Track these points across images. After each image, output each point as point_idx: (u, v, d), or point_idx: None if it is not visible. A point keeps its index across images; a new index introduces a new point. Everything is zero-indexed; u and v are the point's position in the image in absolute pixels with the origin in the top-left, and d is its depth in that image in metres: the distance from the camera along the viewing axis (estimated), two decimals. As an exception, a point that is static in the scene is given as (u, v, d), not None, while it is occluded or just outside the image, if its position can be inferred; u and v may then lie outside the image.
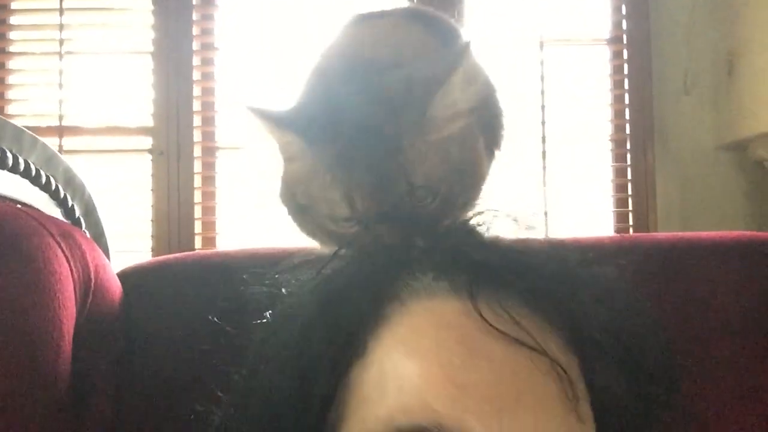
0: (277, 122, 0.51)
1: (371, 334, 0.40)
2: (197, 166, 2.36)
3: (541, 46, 2.38)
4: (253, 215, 2.31)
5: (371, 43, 0.56)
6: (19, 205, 0.60)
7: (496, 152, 0.70)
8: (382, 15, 0.61)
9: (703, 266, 0.65)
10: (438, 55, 0.53)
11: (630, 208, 2.39)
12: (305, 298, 0.44)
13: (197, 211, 2.35)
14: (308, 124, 0.50)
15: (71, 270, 0.54)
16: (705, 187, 2.36)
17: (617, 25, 2.43)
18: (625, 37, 2.42)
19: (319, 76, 0.55)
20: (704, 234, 0.68)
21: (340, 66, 0.54)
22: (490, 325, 0.37)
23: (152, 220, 2.33)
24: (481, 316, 0.37)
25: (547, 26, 2.39)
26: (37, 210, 0.62)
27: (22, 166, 0.61)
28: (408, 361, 0.37)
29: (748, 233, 0.69)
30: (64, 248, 0.54)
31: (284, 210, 0.55)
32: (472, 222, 0.47)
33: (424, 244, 0.44)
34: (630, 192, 2.41)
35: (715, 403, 0.64)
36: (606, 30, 2.44)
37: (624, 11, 2.42)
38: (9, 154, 0.59)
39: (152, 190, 2.34)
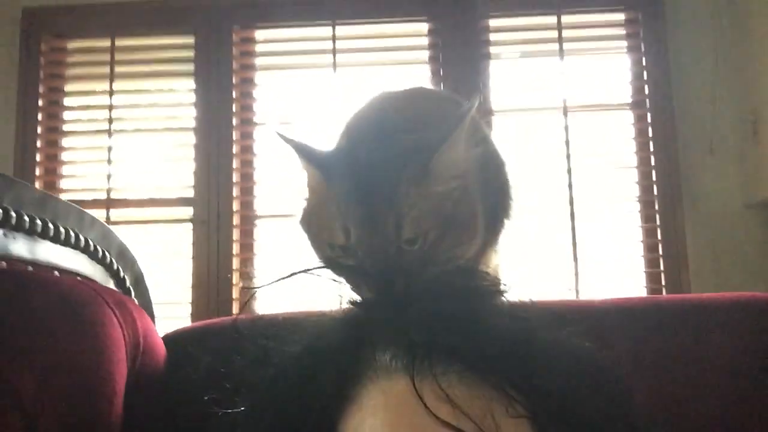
0: (303, 153, 0.60)
1: (339, 416, 0.43)
2: (236, 234, 2.46)
3: (565, 112, 2.45)
4: (291, 280, 2.38)
5: (390, 111, 0.65)
6: (79, 278, 0.68)
7: (507, 222, 0.77)
8: (402, 91, 0.70)
9: (704, 326, 0.69)
10: (445, 119, 0.60)
11: (662, 268, 2.40)
12: (277, 380, 0.47)
13: (235, 278, 2.44)
14: (329, 162, 0.59)
15: (124, 335, 0.61)
16: (736, 245, 2.36)
17: (639, 90, 2.49)
18: (647, 101, 2.48)
19: (345, 133, 0.64)
20: (705, 296, 0.73)
21: (363, 126, 0.63)
22: (433, 413, 0.39)
23: (192, 287, 2.42)
24: (423, 402, 0.40)
25: (571, 93, 2.47)
26: (95, 281, 0.69)
27: (83, 243, 0.70)
28: None
29: (747, 294, 0.73)
30: (118, 315, 0.62)
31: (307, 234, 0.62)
32: (448, 284, 0.48)
33: (385, 320, 0.46)
34: (661, 252, 2.42)
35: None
36: (628, 95, 2.51)
37: (645, 76, 2.49)
38: (72, 233, 0.68)
39: (193, 257, 2.44)
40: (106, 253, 0.74)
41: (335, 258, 0.57)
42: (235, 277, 2.44)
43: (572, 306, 0.77)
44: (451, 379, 0.41)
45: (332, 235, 0.57)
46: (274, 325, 0.56)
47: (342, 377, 0.44)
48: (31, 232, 0.61)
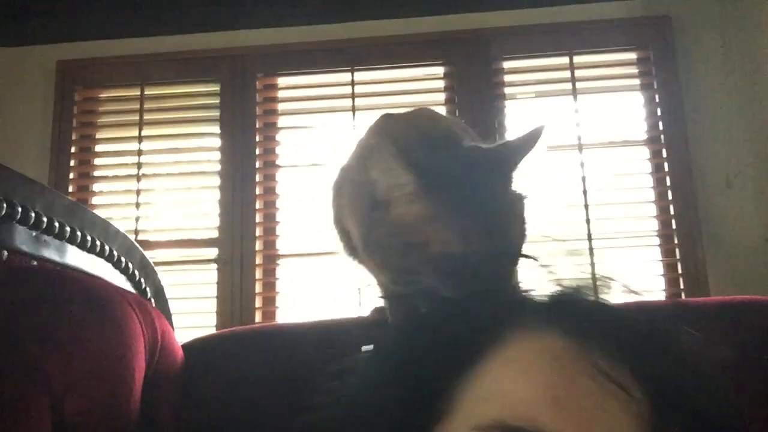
0: (415, 164, 0.63)
1: (479, 355, 0.46)
2: (258, 273, 2.51)
3: (581, 149, 2.49)
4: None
5: (430, 123, 0.72)
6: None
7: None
8: (408, 112, 0.76)
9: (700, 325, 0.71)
10: (514, 139, 0.69)
11: (683, 302, 2.38)
12: (414, 327, 0.52)
13: (258, 316, 2.48)
14: (424, 174, 0.63)
15: (143, 331, 0.65)
16: (758, 278, 2.34)
17: (654, 126, 2.53)
18: (662, 136, 2.51)
19: (402, 149, 0.66)
20: (702, 299, 0.75)
21: (421, 138, 0.69)
22: (595, 365, 0.42)
23: (216, 326, 2.46)
24: (584, 354, 0.43)
25: (586, 131, 2.51)
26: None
27: (107, 252, 0.75)
28: (514, 378, 0.44)
29: (748, 297, 0.75)
30: (138, 313, 0.66)
31: (386, 247, 0.66)
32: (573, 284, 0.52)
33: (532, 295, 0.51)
34: (682, 286, 2.41)
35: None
36: (643, 131, 2.54)
37: (659, 113, 2.52)
38: (98, 242, 0.73)
39: (216, 297, 2.49)
40: (129, 264, 0.79)
41: (452, 267, 0.62)
42: (258, 316, 2.48)
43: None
44: (599, 352, 0.44)
45: (447, 245, 0.62)
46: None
47: (485, 327, 0.47)
48: (60, 237, 0.66)
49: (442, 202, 0.62)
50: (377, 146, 0.66)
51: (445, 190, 0.63)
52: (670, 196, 2.47)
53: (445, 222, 0.62)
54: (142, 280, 0.82)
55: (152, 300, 0.83)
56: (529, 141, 0.68)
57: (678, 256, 2.42)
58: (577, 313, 0.46)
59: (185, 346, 0.80)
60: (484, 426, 0.42)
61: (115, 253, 0.76)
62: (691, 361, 0.46)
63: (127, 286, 0.79)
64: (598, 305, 0.48)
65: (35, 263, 0.63)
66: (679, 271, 2.41)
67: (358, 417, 0.48)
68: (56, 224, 0.66)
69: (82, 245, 0.70)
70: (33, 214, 0.62)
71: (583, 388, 0.42)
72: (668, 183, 2.48)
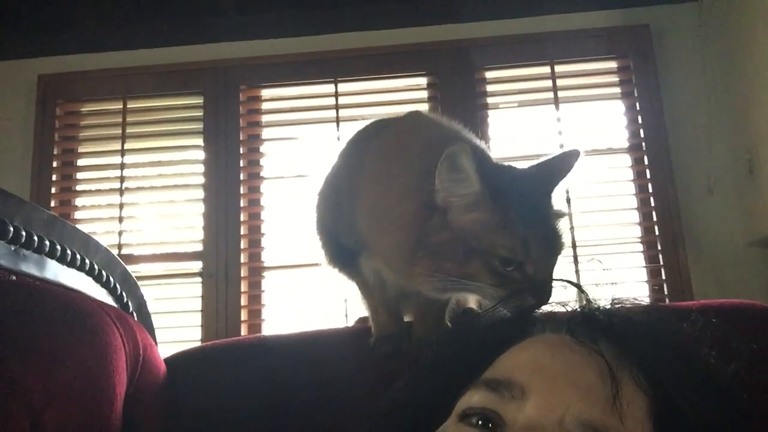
0: (481, 174, 0.70)
1: (502, 350, 0.55)
2: (244, 286, 2.50)
3: (563, 157, 2.50)
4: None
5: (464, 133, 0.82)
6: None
7: None
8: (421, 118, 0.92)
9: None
10: (549, 162, 0.79)
11: (667, 308, 2.40)
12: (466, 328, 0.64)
13: (243, 329, 2.46)
14: (489, 185, 0.71)
15: (124, 344, 0.65)
16: (741, 283, 2.36)
17: (635, 134, 2.55)
18: (644, 144, 2.53)
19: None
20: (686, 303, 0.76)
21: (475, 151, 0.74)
22: (582, 344, 0.50)
23: (201, 340, 2.44)
24: (571, 335, 0.52)
25: (568, 139, 2.53)
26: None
27: (88, 266, 0.74)
28: (512, 356, 0.53)
29: (748, 302, 0.77)
30: (119, 327, 0.66)
31: (446, 251, 0.72)
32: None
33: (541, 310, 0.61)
34: (666, 292, 2.42)
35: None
36: (624, 139, 2.56)
37: (640, 121, 2.55)
38: (78, 256, 0.72)
39: (202, 311, 2.47)
40: (110, 277, 0.78)
41: (506, 273, 0.70)
42: (244, 329, 2.47)
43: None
44: (599, 341, 0.52)
45: (507, 250, 0.69)
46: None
47: (505, 336, 0.56)
48: (39, 252, 0.66)
49: (506, 212, 0.70)
50: (451, 154, 0.70)
51: (508, 201, 0.70)
52: (652, 203, 2.49)
53: (510, 231, 0.69)
54: (124, 293, 0.81)
55: (134, 314, 0.83)
56: (566, 165, 0.78)
57: (661, 262, 2.44)
58: (588, 322, 0.54)
59: (168, 360, 0.79)
60: (475, 384, 0.52)
61: (96, 267, 0.76)
62: (700, 370, 0.52)
63: (109, 300, 0.79)
64: (612, 317, 0.55)
65: (14, 278, 0.63)
66: (663, 277, 2.43)
67: (425, 376, 0.59)
68: (35, 238, 0.65)
69: (61, 259, 0.69)
70: (11, 228, 0.62)
71: (563, 357, 0.50)
72: (650, 190, 2.50)
